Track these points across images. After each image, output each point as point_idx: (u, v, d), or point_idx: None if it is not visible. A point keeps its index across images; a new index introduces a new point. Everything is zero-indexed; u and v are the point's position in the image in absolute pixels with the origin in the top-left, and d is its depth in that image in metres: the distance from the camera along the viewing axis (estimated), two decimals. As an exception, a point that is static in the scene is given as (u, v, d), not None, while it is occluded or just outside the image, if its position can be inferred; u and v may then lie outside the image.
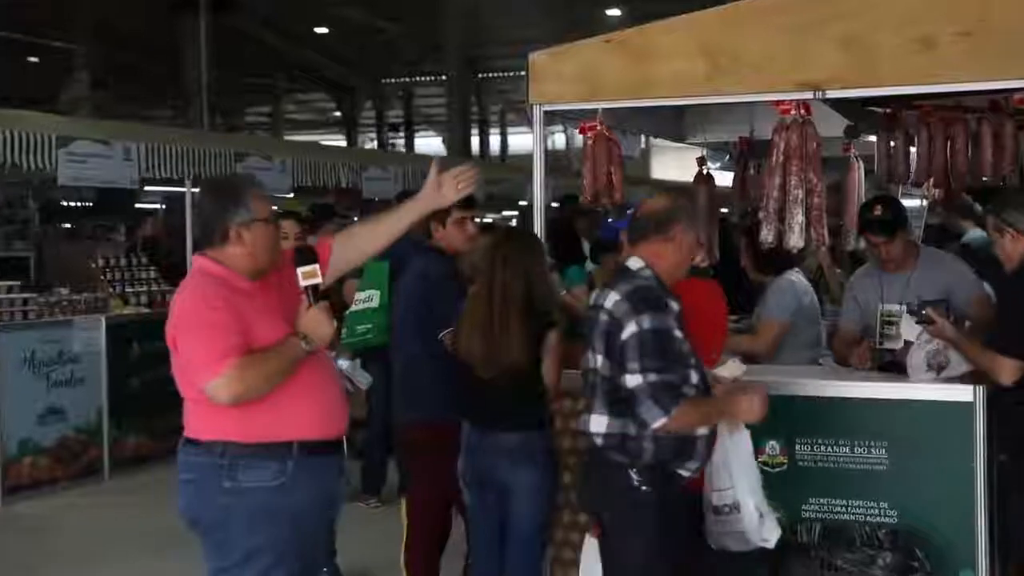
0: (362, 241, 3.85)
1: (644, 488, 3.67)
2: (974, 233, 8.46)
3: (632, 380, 3.60)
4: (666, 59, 5.00)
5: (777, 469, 4.70)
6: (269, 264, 3.57)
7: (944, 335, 4.44)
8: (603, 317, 3.69)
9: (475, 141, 31.80)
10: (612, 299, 3.69)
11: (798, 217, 4.83)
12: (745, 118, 6.68)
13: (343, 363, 5.08)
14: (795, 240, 4.85)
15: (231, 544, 3.44)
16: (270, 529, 3.43)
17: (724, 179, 7.21)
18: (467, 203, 5.02)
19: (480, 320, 4.34)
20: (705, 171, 6.57)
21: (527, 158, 5.48)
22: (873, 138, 6.49)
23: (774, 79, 4.82)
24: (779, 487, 4.62)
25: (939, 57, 4.55)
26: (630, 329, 3.62)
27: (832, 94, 4.82)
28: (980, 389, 4.40)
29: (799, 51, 4.77)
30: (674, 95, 5.16)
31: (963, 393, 4.39)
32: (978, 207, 8.23)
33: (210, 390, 3.37)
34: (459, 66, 25.46)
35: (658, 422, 3.58)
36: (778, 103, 4.91)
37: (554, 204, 11.66)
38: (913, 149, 6.34)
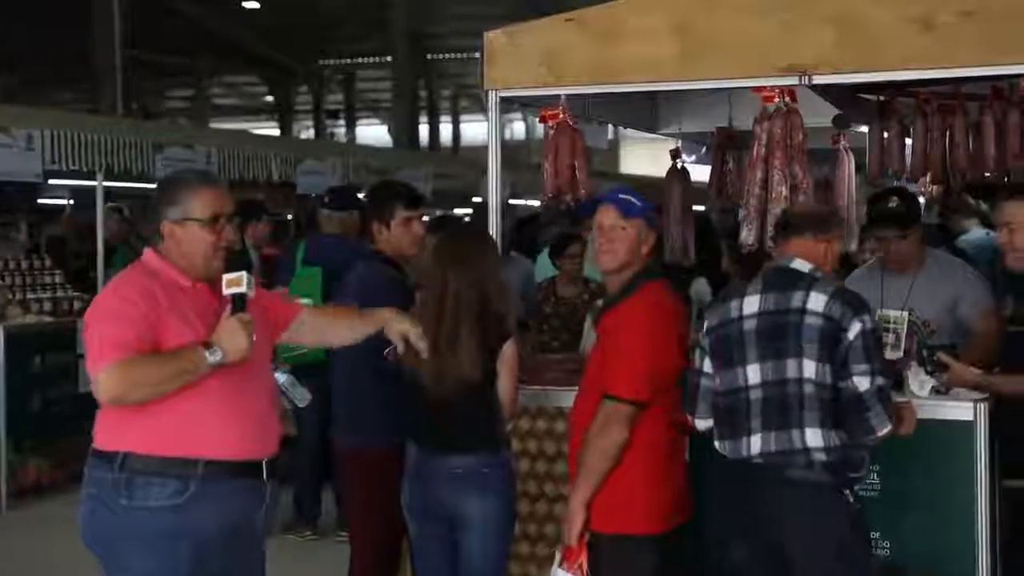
0: (326, 331, 4.12)
1: (855, 505, 3.79)
2: (975, 234, 8.54)
3: (863, 383, 3.72)
4: (636, 40, 5.01)
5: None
6: (203, 268, 3.59)
7: (964, 381, 4.41)
8: (814, 321, 3.76)
9: (424, 130, 31.79)
10: (819, 300, 3.77)
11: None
12: (723, 106, 6.70)
13: (280, 377, 5.03)
14: (779, 241, 4.85)
15: (124, 567, 3.46)
16: (166, 554, 3.42)
17: (700, 174, 7.23)
18: (413, 202, 4.99)
19: (428, 331, 4.30)
20: (679, 165, 6.60)
21: (482, 150, 5.46)
22: (865, 129, 6.53)
23: (755, 63, 4.84)
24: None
25: (938, 39, 4.59)
26: (855, 329, 3.75)
27: (820, 79, 4.84)
28: (982, 407, 4.42)
29: (783, 32, 4.79)
30: (645, 80, 5.17)
31: (962, 411, 4.42)
32: (981, 205, 8.31)
33: (94, 387, 3.40)
34: (405, 46, 25.43)
35: (884, 429, 3.74)
36: (760, 89, 4.93)
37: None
38: (908, 141, 6.38)
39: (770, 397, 3.80)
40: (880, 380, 3.72)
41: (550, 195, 5.43)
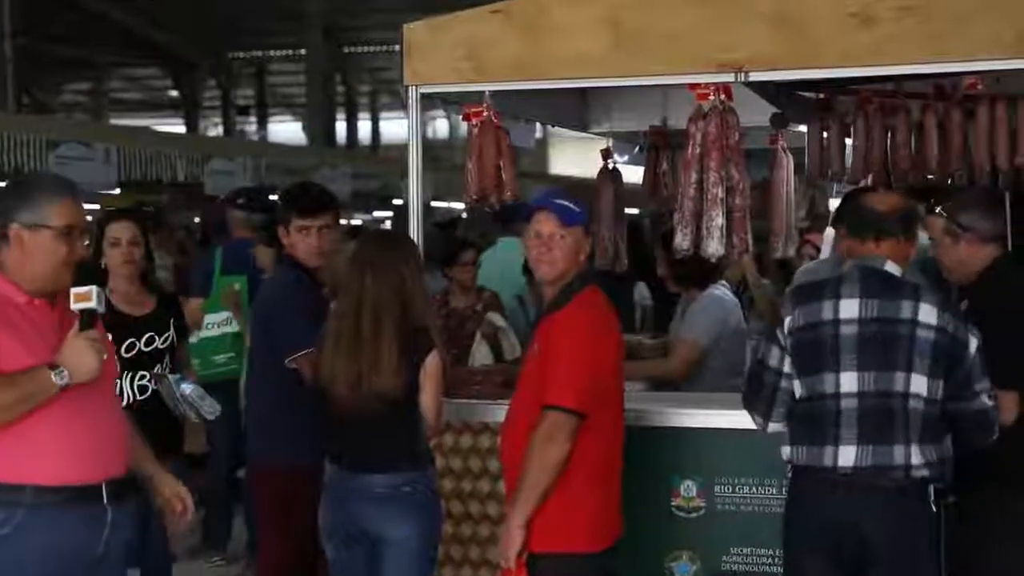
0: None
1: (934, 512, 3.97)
2: (922, 240, 8.68)
3: (989, 401, 3.96)
4: (565, 34, 5.04)
5: (693, 514, 4.76)
6: (49, 282, 3.50)
7: None
8: (927, 334, 3.86)
9: (341, 127, 31.66)
10: (931, 312, 3.88)
11: (717, 220, 4.90)
12: (657, 104, 6.76)
13: (187, 388, 5.00)
14: (714, 247, 4.92)
15: None
16: None
17: (634, 175, 7.29)
18: (308, 210, 4.94)
19: (346, 341, 4.30)
20: (611, 165, 6.64)
21: (403, 149, 5.46)
22: (803, 128, 6.62)
23: (690, 58, 4.89)
24: (696, 535, 4.68)
25: (877, 35, 4.67)
26: (974, 344, 3.92)
27: (756, 76, 4.90)
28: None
29: (719, 26, 4.85)
30: (574, 76, 5.20)
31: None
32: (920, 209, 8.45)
33: None
34: (321, 38, 25.32)
35: (991, 440, 4.01)
36: (694, 87, 4.98)
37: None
38: (849, 141, 6.48)
39: (869, 408, 3.88)
40: (992, 394, 3.98)
41: (474, 197, 5.44)
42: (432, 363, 4.32)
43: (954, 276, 4.60)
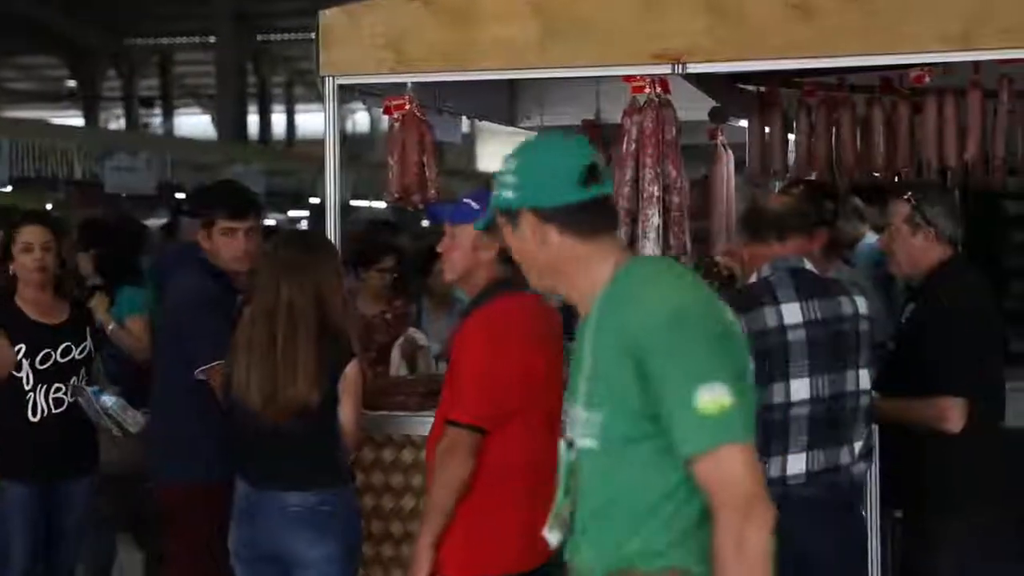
0: None
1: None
2: (869, 240, 8.80)
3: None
4: (492, 21, 5.06)
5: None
6: None
7: None
8: (867, 326, 4.05)
9: (253, 121, 31.46)
10: (863, 303, 4.07)
11: (653, 219, 4.95)
12: (590, 97, 6.80)
13: (108, 400, 4.97)
14: (650, 247, 4.97)
15: None
16: None
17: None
18: (238, 211, 4.91)
19: (259, 351, 4.28)
20: (541, 161, 6.64)
21: (320, 144, 5.45)
22: (744, 123, 6.70)
23: (625, 49, 4.93)
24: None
25: (822, 26, 4.74)
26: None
27: (694, 68, 4.95)
28: (873, 430, 4.58)
29: (655, 15, 4.90)
30: (502, 67, 5.23)
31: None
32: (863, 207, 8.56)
33: None
34: (231, 24, 25.15)
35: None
36: (629, 79, 5.02)
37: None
38: (792, 136, 6.56)
39: (820, 414, 3.97)
40: None
41: (395, 195, 5.44)
42: (352, 373, 4.32)
43: (901, 269, 4.70)
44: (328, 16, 5.25)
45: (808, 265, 4.11)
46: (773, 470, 3.94)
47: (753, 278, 4.12)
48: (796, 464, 3.95)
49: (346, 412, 4.34)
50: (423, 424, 4.30)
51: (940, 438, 4.38)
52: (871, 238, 8.74)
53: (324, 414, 4.29)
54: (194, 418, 4.72)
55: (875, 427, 4.19)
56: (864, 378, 4.03)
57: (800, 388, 3.94)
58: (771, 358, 3.94)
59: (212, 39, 27.14)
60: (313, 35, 5.23)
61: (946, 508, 4.43)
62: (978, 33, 4.61)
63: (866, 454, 4.07)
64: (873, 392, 4.14)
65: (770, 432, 3.95)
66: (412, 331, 6.62)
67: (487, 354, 3.91)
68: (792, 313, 3.98)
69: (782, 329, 3.97)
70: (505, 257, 4.13)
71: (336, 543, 4.29)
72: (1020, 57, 4.98)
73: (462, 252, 4.08)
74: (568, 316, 5.48)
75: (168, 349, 4.90)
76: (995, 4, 4.61)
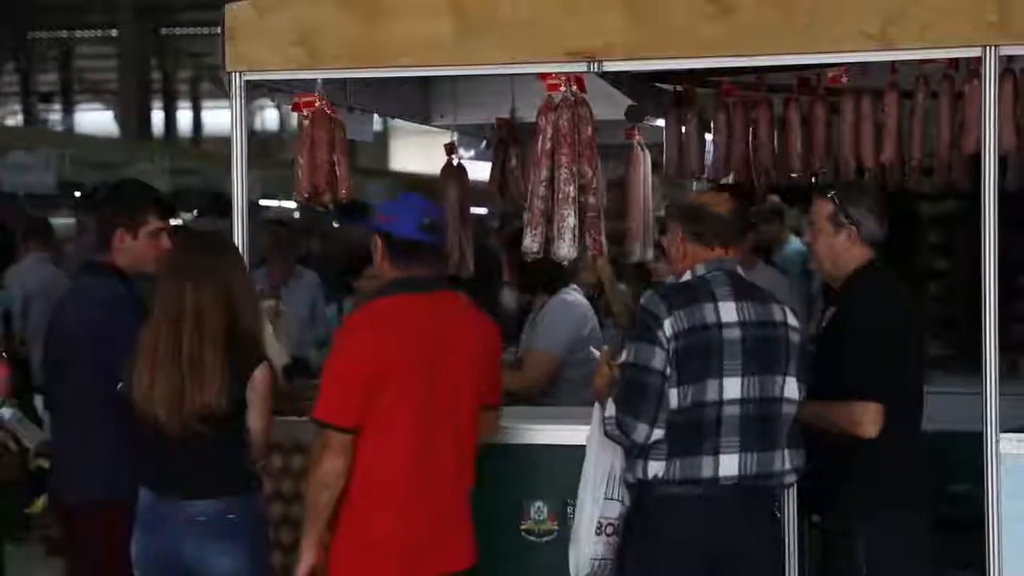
0: None
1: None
2: (793, 245, 8.91)
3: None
4: (405, 17, 5.05)
5: (544, 538, 4.80)
6: None
7: None
8: (795, 337, 4.14)
9: (158, 117, 31.14)
10: (791, 314, 4.18)
11: (569, 220, 4.96)
12: (505, 95, 6.80)
13: (6, 414, 4.88)
14: (566, 249, 4.98)
15: None
16: None
17: (480, 171, 7.32)
18: (170, 210, 4.92)
19: (164, 356, 4.24)
20: (456, 161, 6.65)
21: (229, 141, 5.40)
22: (662, 122, 6.74)
23: (539, 46, 4.94)
24: (547, 560, 4.72)
25: (739, 24, 4.79)
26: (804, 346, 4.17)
27: (610, 66, 4.98)
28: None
29: (571, 12, 4.91)
30: (415, 64, 5.21)
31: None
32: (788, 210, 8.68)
33: None
34: (134, 17, 24.88)
35: None
36: (544, 76, 5.03)
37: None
38: (709, 136, 6.61)
39: (751, 415, 4.04)
40: None
41: (305, 195, 5.41)
42: (261, 377, 4.31)
43: (824, 269, 4.76)
44: (234, 10, 5.20)
45: (739, 270, 4.20)
46: (706, 470, 3.99)
47: (687, 276, 4.17)
48: (728, 465, 4.00)
49: (255, 418, 4.33)
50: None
51: (858, 441, 4.44)
52: (795, 242, 8.87)
53: (232, 420, 4.28)
54: (106, 431, 4.64)
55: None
56: (791, 388, 4.10)
57: (732, 387, 4.02)
58: (707, 354, 4.01)
59: (114, 33, 26.84)
60: (219, 29, 5.17)
61: (863, 512, 4.49)
62: (896, 33, 4.68)
63: (800, 467, 4.14)
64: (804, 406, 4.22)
65: (704, 430, 4.00)
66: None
67: (341, 353, 4.11)
68: (729, 312, 4.05)
69: (719, 326, 4.03)
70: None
71: (243, 553, 4.28)
72: (937, 57, 5.08)
73: (375, 258, 4.23)
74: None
75: (79, 358, 4.77)
76: (912, 4, 4.68)
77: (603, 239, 5.11)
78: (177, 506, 4.27)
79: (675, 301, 4.07)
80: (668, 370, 3.99)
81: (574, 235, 4.98)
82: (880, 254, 4.71)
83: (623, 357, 4.16)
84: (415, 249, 4.21)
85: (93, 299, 4.82)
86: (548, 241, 5.02)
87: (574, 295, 6.09)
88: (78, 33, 30.71)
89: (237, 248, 4.64)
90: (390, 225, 4.23)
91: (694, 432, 4.01)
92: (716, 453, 4.00)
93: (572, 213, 4.97)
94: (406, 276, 4.20)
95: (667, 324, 4.01)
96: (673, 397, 4.00)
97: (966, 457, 4.76)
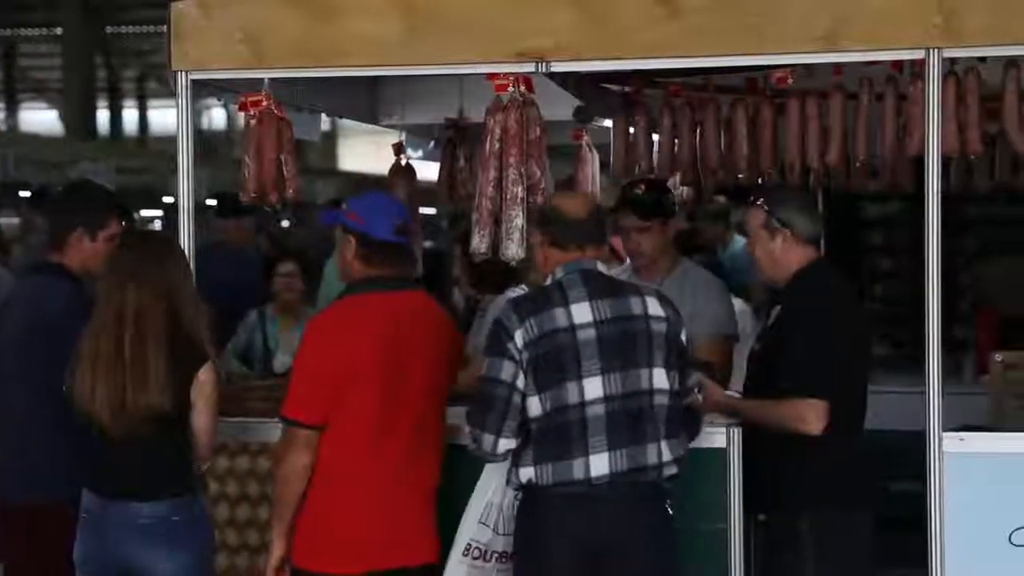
0: None
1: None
2: (738, 244, 8.96)
3: (699, 395, 4.26)
4: (353, 16, 5.05)
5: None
6: None
7: (718, 404, 4.68)
8: (659, 327, 4.09)
9: (103, 116, 30.90)
10: (656, 304, 4.13)
11: (517, 220, 4.97)
12: (453, 95, 6.80)
13: None
14: (514, 250, 4.99)
15: None
16: None
17: (429, 171, 7.31)
18: (126, 212, 4.92)
19: (106, 358, 4.22)
20: (404, 161, 6.65)
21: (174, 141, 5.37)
22: (610, 123, 6.76)
23: (488, 46, 4.95)
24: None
25: (687, 25, 4.82)
26: (684, 334, 4.18)
27: (558, 67, 5.00)
28: (736, 432, 4.66)
29: (518, 12, 4.93)
30: (363, 64, 5.21)
31: (715, 437, 4.64)
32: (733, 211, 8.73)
33: None
34: (79, 16, 24.68)
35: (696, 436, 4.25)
36: (492, 77, 5.04)
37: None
38: (657, 137, 6.64)
39: (617, 412, 4.02)
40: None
41: (252, 194, 5.38)
42: (205, 378, 4.29)
43: (767, 274, 4.80)
44: (180, 8, 5.17)
45: (601, 267, 4.19)
46: (577, 472, 4.00)
47: (548, 280, 4.19)
48: (599, 465, 4.01)
49: (200, 419, 4.32)
50: (279, 430, 4.27)
51: (802, 439, 4.47)
52: (740, 240, 8.93)
53: (176, 421, 4.26)
54: (47, 433, 4.60)
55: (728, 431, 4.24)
56: (660, 377, 4.08)
57: (593, 387, 4.02)
58: (563, 358, 4.01)
59: (59, 31, 26.61)
60: (165, 28, 5.14)
61: (808, 510, 4.53)
62: (841, 35, 4.72)
63: (681, 458, 4.12)
64: (699, 392, 4.26)
65: (571, 433, 4.01)
66: None
67: (307, 352, 4.18)
68: (582, 313, 4.05)
69: (572, 329, 4.03)
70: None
71: (187, 555, 4.27)
72: (882, 59, 5.12)
73: (339, 255, 4.32)
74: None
75: (28, 359, 4.71)
76: (857, 5, 4.72)
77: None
78: (120, 508, 4.25)
79: (526, 310, 4.09)
80: (521, 380, 4.01)
81: (522, 235, 4.99)
82: (823, 254, 4.75)
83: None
84: (388, 251, 4.28)
85: (45, 299, 4.79)
86: (496, 241, 5.03)
87: (520, 293, 6.09)
88: (22, 31, 30.42)
89: (181, 248, 4.62)
90: (367, 227, 4.27)
91: (561, 436, 4.02)
92: (586, 454, 4.01)
93: (520, 214, 4.98)
94: (376, 275, 4.24)
95: (518, 335, 4.02)
96: (535, 405, 4.01)
97: (910, 456, 4.80)
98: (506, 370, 4.02)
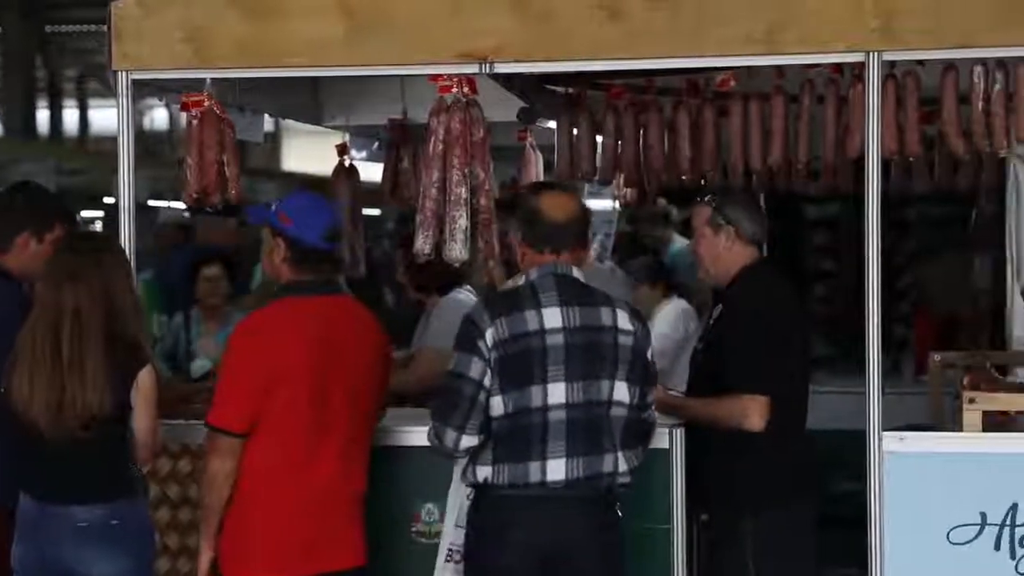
0: None
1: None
2: (677, 246, 9.01)
3: (654, 413, 4.26)
4: (296, 16, 5.03)
5: (436, 540, 4.79)
6: None
7: (661, 404, 4.61)
8: (626, 340, 4.08)
9: (43, 116, 30.56)
10: (625, 317, 4.12)
11: (461, 222, 4.97)
12: (397, 96, 6.79)
13: None
14: (458, 251, 4.99)
15: None
16: None
17: (373, 172, 7.30)
18: (71, 215, 4.92)
19: (44, 359, 4.18)
20: (347, 162, 6.63)
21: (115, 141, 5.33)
22: (554, 124, 6.77)
23: (431, 47, 4.95)
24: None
25: (629, 27, 4.84)
26: (650, 351, 4.19)
27: (501, 68, 5.00)
28: (678, 432, 4.68)
29: (462, 13, 4.92)
30: (305, 64, 5.19)
31: (656, 438, 4.62)
32: (675, 212, 8.78)
33: None
34: (18, 14, 24.39)
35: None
36: (436, 78, 5.03)
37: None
38: (600, 138, 6.66)
39: (577, 420, 4.02)
40: None
41: (194, 196, 5.35)
42: (145, 379, 4.27)
43: (710, 273, 4.83)
44: (120, 8, 5.13)
45: (576, 272, 4.16)
46: (533, 475, 4.00)
47: (521, 280, 4.19)
48: (556, 470, 4.01)
49: (140, 421, 4.29)
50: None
51: (745, 439, 4.50)
52: (679, 243, 8.98)
53: (115, 424, 4.24)
54: None
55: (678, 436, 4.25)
56: (621, 391, 4.08)
57: (556, 392, 4.02)
58: (530, 361, 4.01)
59: (-2, 30, 26.30)
60: (105, 27, 5.10)
61: (751, 510, 4.56)
62: (781, 37, 4.76)
63: (636, 469, 4.14)
64: (652, 407, 4.23)
65: (531, 436, 4.01)
66: None
67: (233, 357, 4.17)
68: (553, 318, 4.04)
69: (542, 333, 4.03)
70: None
71: (127, 558, 4.24)
72: (821, 62, 5.17)
73: (265, 255, 4.27)
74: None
75: None
76: (796, 8, 4.75)
77: (495, 240, 5.12)
78: (59, 512, 4.21)
79: (498, 309, 4.08)
80: (488, 379, 4.00)
81: (466, 237, 4.99)
82: (766, 255, 4.79)
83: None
84: (317, 256, 4.26)
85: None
86: (440, 243, 5.03)
87: (467, 294, 6.10)
88: (-41, 29, 30.04)
89: (120, 249, 4.59)
90: (297, 232, 4.24)
91: (520, 438, 4.02)
92: (543, 458, 4.01)
93: (464, 215, 4.98)
94: (303, 280, 4.21)
95: (489, 333, 4.02)
96: (498, 404, 4.01)
97: (850, 455, 4.84)
98: (475, 367, 4.01)
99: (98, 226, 19.58)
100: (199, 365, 6.38)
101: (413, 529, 4.84)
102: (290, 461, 4.11)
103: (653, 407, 4.25)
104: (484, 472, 4.04)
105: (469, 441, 4.03)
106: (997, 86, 4.92)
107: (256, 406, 4.08)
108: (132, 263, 4.66)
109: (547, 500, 4.02)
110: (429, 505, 4.79)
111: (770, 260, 4.86)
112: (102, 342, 4.19)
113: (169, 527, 4.85)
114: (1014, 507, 4.68)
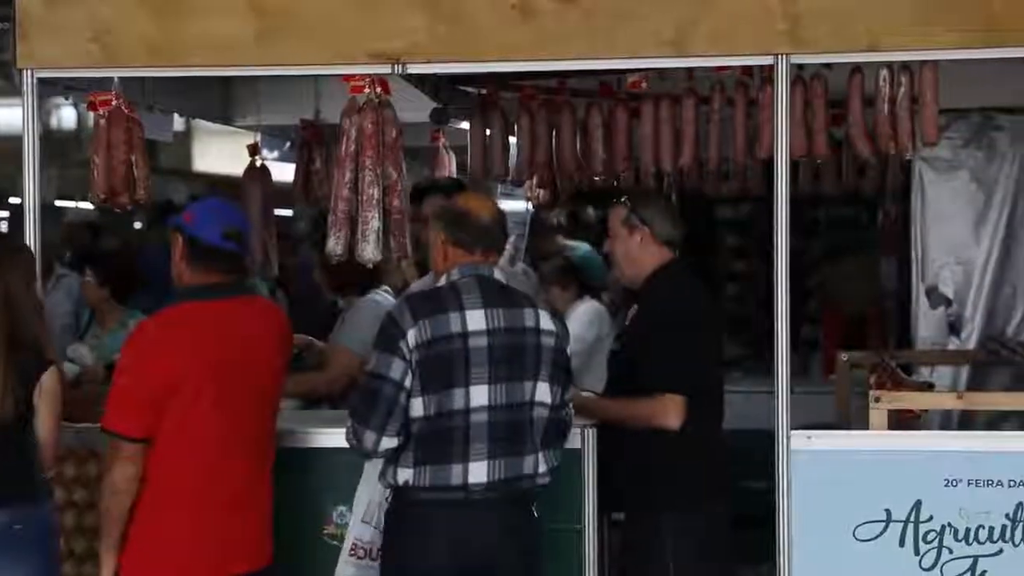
0: None
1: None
2: (580, 249, 9.02)
3: (572, 411, 4.27)
4: (204, 14, 4.99)
5: (349, 541, 4.78)
6: None
7: (576, 405, 4.66)
8: (548, 341, 4.09)
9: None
10: (547, 318, 4.13)
11: (373, 223, 4.95)
12: (309, 96, 6.76)
13: None
14: (370, 252, 4.97)
15: None
16: None
17: (285, 172, 7.25)
18: None
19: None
20: (259, 162, 6.58)
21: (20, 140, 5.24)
22: (467, 125, 6.77)
23: (342, 47, 4.93)
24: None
25: (541, 28, 4.85)
26: (569, 350, 4.18)
27: (414, 68, 4.99)
28: (590, 433, 4.69)
29: (372, 12, 4.91)
30: (215, 64, 5.15)
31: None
32: (590, 213, 8.80)
33: None
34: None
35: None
36: (348, 78, 5.01)
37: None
38: (514, 139, 6.67)
39: (499, 422, 4.01)
40: None
41: (101, 196, 5.28)
42: (48, 382, 4.21)
43: (625, 273, 4.86)
44: (27, 5, 5.05)
45: (497, 274, 4.16)
46: (455, 477, 4.00)
47: (443, 280, 4.17)
48: (478, 473, 4.01)
49: (43, 424, 4.23)
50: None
51: (658, 439, 4.53)
52: (582, 247, 8.98)
53: (17, 427, 4.17)
54: None
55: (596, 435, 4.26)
56: (543, 391, 4.08)
57: (479, 395, 4.00)
58: (452, 364, 3.99)
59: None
60: (8, 24, 5.02)
61: (664, 508, 4.58)
62: (690, 40, 4.79)
63: (555, 468, 4.15)
64: (570, 406, 4.24)
65: (453, 438, 4.00)
66: None
67: (130, 362, 4.08)
68: (476, 320, 4.03)
69: (465, 335, 4.02)
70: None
71: (31, 565, 4.18)
72: (732, 64, 5.21)
73: (174, 257, 4.19)
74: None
75: None
76: (704, 10, 4.79)
77: (408, 241, 5.11)
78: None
79: (421, 310, 4.05)
80: (408, 380, 3.98)
81: (378, 237, 4.97)
82: (678, 256, 4.82)
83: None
84: (216, 256, 4.17)
85: None
86: (353, 243, 5.01)
87: (383, 296, 6.07)
88: None
89: (22, 249, 4.51)
90: (194, 228, 4.18)
91: (442, 440, 4.01)
92: (465, 461, 4.01)
93: (376, 215, 4.97)
94: (202, 284, 4.15)
95: (411, 334, 3.98)
96: (419, 406, 3.99)
97: (761, 454, 4.89)
98: (395, 368, 3.97)
99: (3, 227, 19.24)
100: (68, 368, 6.25)
101: (325, 531, 4.80)
102: (193, 464, 4.04)
103: (570, 405, 4.26)
104: (405, 475, 4.02)
105: (389, 443, 4.00)
106: (902, 89, 4.99)
107: (152, 412, 3.98)
108: (38, 264, 4.59)
109: (468, 503, 4.01)
110: (341, 508, 4.75)
111: (683, 261, 4.89)
112: (3, 344, 4.13)
113: (76, 532, 4.77)
114: (918, 504, 4.75)
